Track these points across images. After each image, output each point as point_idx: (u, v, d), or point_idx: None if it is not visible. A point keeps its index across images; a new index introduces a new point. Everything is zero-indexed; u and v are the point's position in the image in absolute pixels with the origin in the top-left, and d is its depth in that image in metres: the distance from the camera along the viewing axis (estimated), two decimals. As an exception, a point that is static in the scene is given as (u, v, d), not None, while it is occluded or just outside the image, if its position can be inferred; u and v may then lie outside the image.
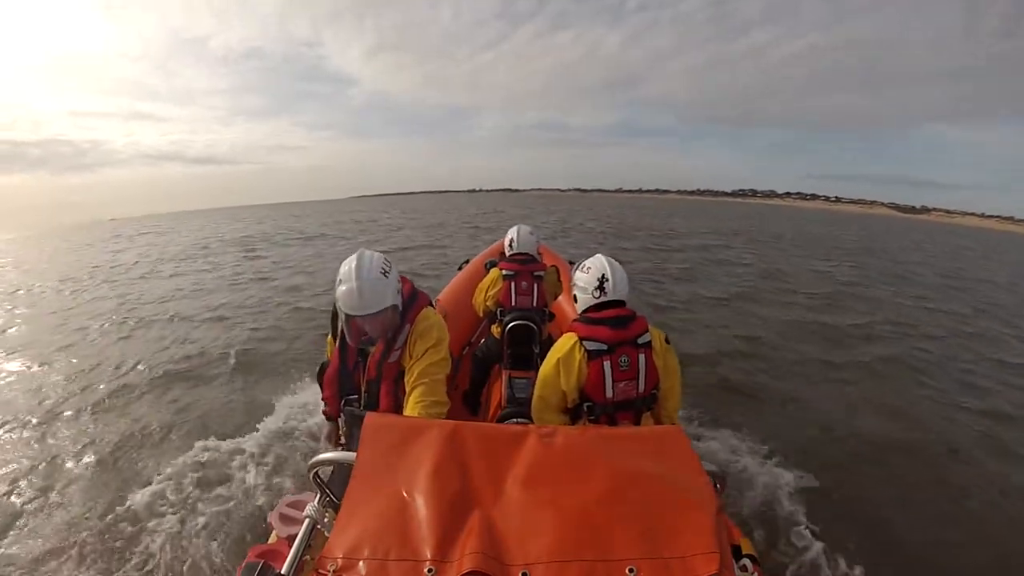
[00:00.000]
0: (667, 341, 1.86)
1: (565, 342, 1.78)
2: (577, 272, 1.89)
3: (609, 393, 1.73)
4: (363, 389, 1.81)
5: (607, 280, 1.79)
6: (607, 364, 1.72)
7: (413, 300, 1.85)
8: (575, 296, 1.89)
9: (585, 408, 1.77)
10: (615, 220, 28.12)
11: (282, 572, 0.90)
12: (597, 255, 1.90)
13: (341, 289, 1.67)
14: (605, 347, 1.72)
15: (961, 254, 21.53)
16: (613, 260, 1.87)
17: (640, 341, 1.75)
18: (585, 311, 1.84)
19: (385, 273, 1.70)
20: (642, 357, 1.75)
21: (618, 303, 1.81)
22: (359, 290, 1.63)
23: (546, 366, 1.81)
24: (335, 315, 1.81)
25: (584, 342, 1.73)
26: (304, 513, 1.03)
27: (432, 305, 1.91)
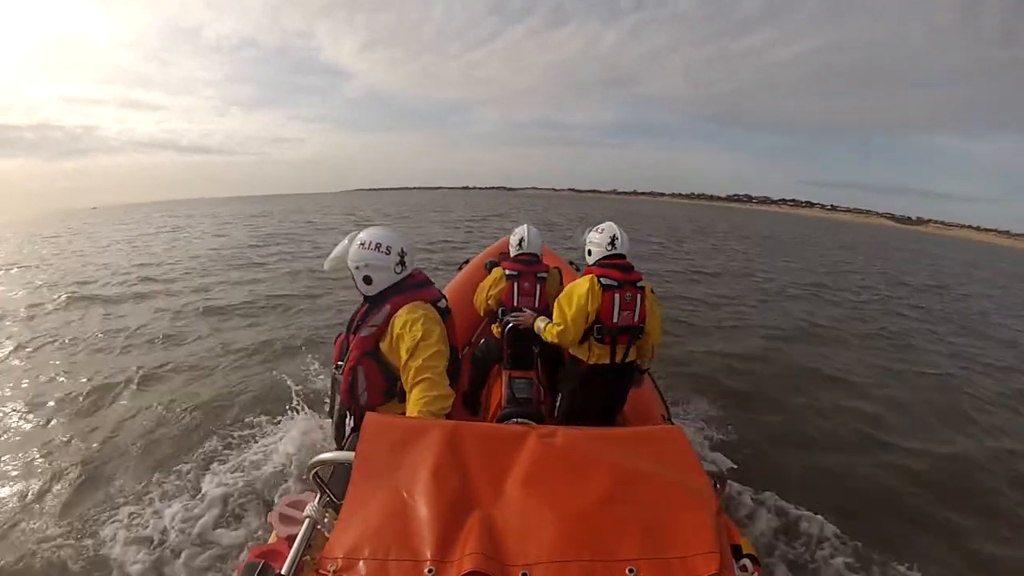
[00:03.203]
0: (652, 292, 2.41)
1: (585, 280, 2.30)
2: (592, 233, 2.43)
3: (615, 319, 2.27)
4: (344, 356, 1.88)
5: (617, 239, 2.36)
6: (616, 296, 2.26)
7: (411, 289, 1.82)
8: (589, 251, 2.42)
9: (595, 329, 2.28)
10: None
11: (282, 572, 0.90)
12: (608, 221, 2.44)
13: None
14: (615, 283, 2.28)
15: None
16: (619, 225, 2.41)
17: (638, 284, 2.33)
18: (598, 261, 2.36)
19: (362, 244, 1.83)
20: (639, 296, 2.32)
21: (622, 256, 2.37)
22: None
23: (575, 295, 2.28)
24: None
25: (600, 279, 2.28)
26: (304, 513, 1.03)
27: (438, 305, 1.85)
